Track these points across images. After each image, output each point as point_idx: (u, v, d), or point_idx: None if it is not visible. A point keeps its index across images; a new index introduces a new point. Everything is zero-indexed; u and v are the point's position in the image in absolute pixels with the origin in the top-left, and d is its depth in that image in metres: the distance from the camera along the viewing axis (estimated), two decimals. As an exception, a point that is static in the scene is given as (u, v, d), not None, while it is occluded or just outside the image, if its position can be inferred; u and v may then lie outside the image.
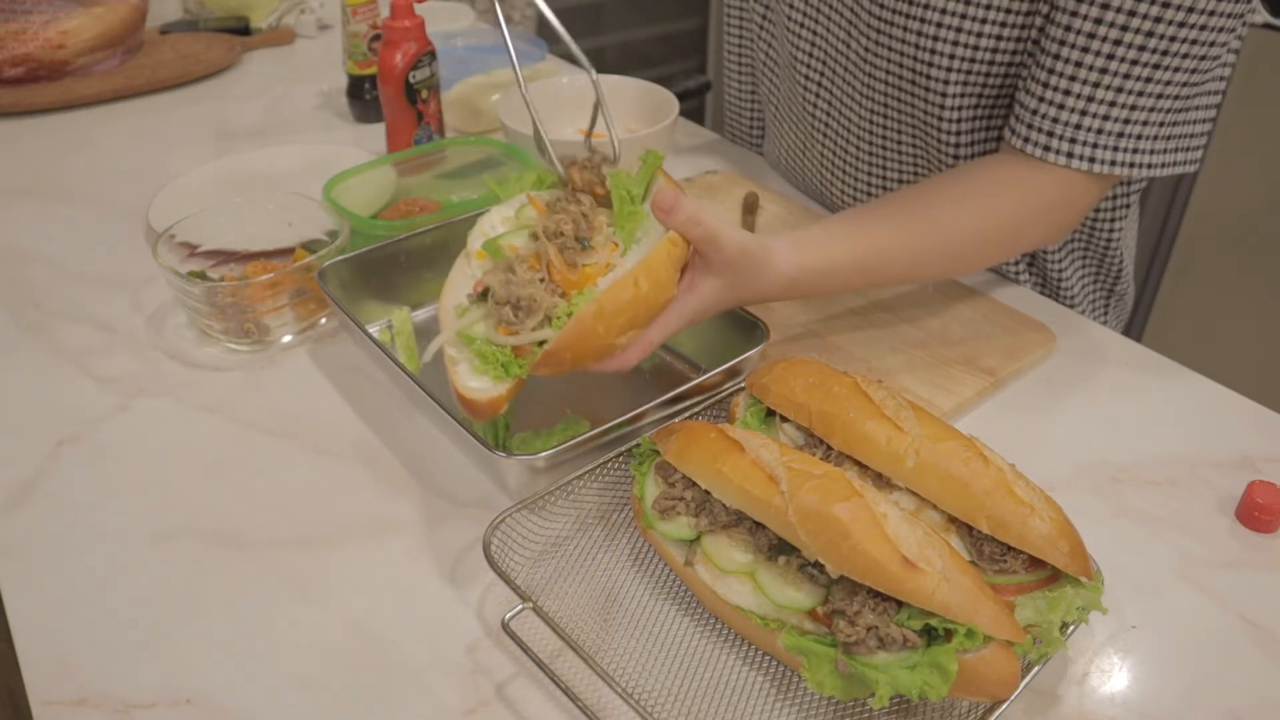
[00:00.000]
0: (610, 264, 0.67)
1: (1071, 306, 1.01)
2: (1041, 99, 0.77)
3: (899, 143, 0.94)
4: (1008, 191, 0.79)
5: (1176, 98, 0.75)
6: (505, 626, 0.58)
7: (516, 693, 0.58)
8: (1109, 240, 0.99)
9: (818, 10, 0.94)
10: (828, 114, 1.00)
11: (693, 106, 1.30)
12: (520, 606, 0.59)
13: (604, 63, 3.19)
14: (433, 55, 1.10)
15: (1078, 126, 0.76)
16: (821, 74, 0.97)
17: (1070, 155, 0.76)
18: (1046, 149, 0.77)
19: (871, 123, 0.95)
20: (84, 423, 0.78)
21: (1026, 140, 0.78)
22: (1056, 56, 0.75)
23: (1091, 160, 0.76)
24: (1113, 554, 0.65)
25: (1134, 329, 2.09)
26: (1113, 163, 0.76)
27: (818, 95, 0.99)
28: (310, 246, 0.92)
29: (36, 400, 0.81)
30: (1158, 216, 2.03)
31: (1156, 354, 0.88)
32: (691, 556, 0.61)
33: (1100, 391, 0.83)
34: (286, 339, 0.87)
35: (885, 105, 0.92)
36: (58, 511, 0.70)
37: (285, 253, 0.93)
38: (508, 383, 0.64)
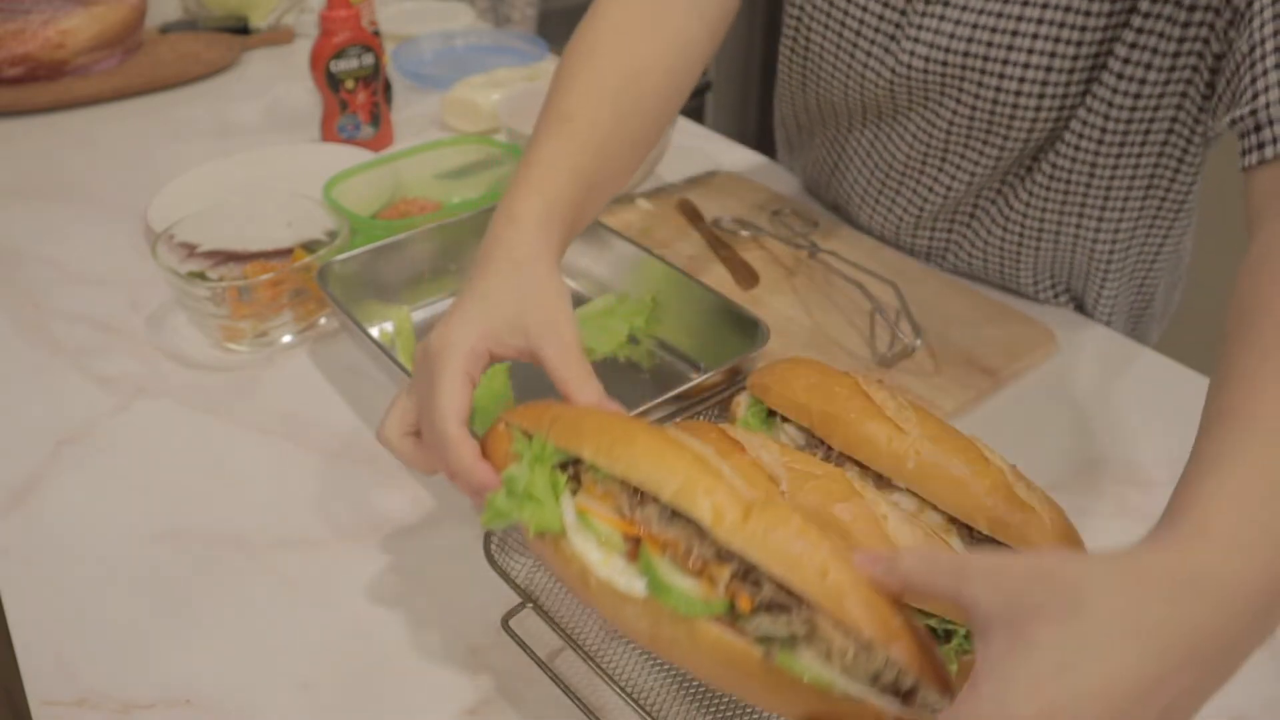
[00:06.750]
0: None
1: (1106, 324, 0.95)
2: None
3: (941, 161, 0.89)
4: None
5: None
6: (505, 625, 0.58)
7: (517, 692, 0.59)
8: (1155, 258, 0.93)
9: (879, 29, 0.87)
10: (870, 147, 0.95)
11: (693, 106, 1.30)
12: (520, 605, 0.59)
13: (604, 62, 3.18)
14: (369, 49, 1.14)
15: None
16: (866, 110, 0.92)
17: None
18: None
19: (929, 147, 0.89)
20: (84, 423, 0.78)
21: None
22: None
23: None
24: (1113, 554, 0.65)
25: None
26: None
27: (861, 127, 0.95)
28: (310, 246, 0.92)
29: (36, 400, 0.81)
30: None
31: (1157, 353, 0.88)
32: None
33: (1100, 391, 0.83)
34: (286, 339, 0.87)
35: (946, 135, 0.87)
36: (58, 511, 0.70)
37: (285, 253, 0.92)
38: None
